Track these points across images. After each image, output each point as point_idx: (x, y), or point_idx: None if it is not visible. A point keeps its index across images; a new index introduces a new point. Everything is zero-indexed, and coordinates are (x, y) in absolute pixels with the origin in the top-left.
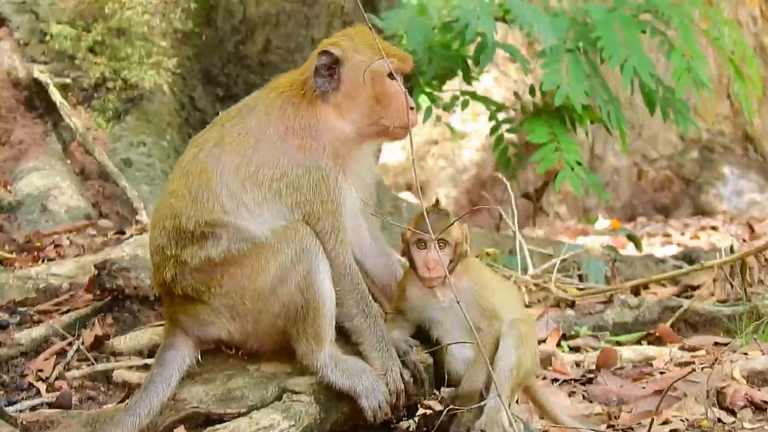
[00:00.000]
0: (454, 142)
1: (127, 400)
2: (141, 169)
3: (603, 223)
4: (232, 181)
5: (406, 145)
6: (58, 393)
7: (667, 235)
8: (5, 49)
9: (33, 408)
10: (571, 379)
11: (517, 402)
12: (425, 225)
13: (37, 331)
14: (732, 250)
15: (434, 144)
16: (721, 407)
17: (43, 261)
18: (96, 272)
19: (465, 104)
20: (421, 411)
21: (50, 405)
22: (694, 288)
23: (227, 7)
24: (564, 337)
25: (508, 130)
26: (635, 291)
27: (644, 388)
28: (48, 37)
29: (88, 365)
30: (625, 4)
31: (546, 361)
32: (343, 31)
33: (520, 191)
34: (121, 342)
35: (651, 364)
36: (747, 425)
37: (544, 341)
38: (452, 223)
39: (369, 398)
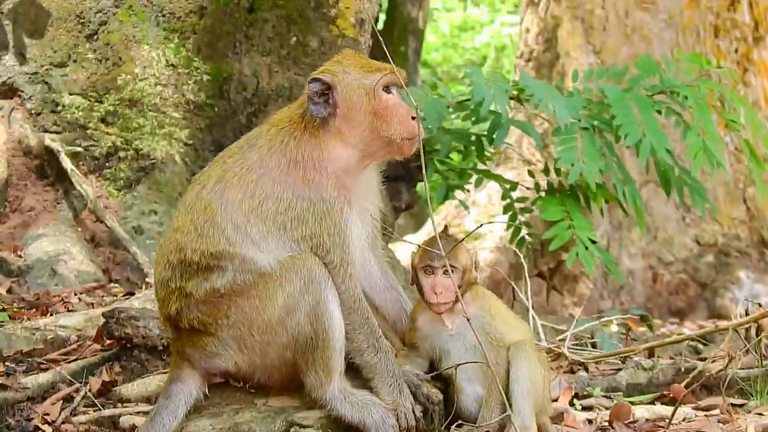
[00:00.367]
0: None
1: None
2: (152, 237)
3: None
4: (237, 215)
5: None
6: None
7: (680, 335)
8: (17, 118)
9: None
10: None
11: None
12: (433, 250)
13: (44, 377)
14: (747, 313)
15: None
16: None
17: (51, 314)
18: (104, 321)
19: (478, 182)
20: None
21: None
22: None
23: (240, 80)
24: (577, 396)
25: (521, 209)
26: (649, 353)
27: None
28: (60, 108)
29: (94, 410)
30: (639, 84)
31: (558, 417)
32: (330, 60)
33: (535, 271)
34: (128, 389)
35: (665, 421)
36: None
37: (556, 400)
38: (458, 243)
39: None
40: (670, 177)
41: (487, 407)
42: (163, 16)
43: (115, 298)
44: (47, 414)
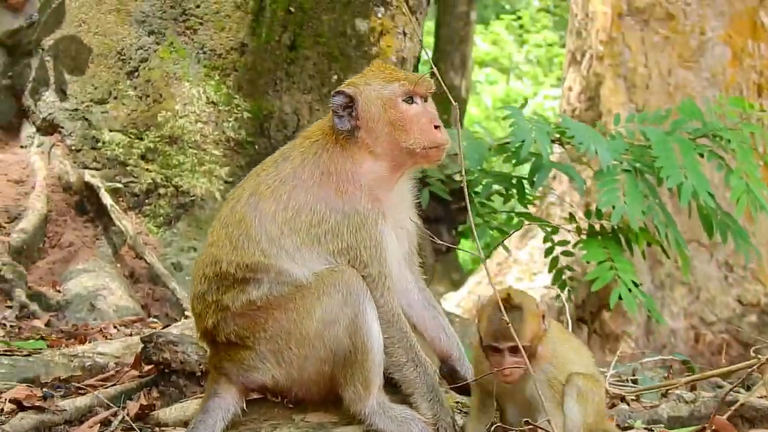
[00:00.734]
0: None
1: None
2: (191, 274)
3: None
4: (271, 227)
5: None
6: None
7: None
8: (57, 154)
9: None
10: None
11: None
12: (497, 327)
13: (82, 401)
14: None
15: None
16: None
17: (90, 341)
18: (143, 345)
19: (519, 225)
20: None
21: None
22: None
23: (280, 117)
24: (618, 428)
25: (563, 253)
26: (692, 386)
27: None
28: (100, 144)
29: None
30: (681, 127)
31: None
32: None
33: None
34: (166, 413)
35: None
36: None
37: None
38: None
39: None
40: (713, 220)
41: None
42: (204, 53)
43: (153, 330)
44: None
